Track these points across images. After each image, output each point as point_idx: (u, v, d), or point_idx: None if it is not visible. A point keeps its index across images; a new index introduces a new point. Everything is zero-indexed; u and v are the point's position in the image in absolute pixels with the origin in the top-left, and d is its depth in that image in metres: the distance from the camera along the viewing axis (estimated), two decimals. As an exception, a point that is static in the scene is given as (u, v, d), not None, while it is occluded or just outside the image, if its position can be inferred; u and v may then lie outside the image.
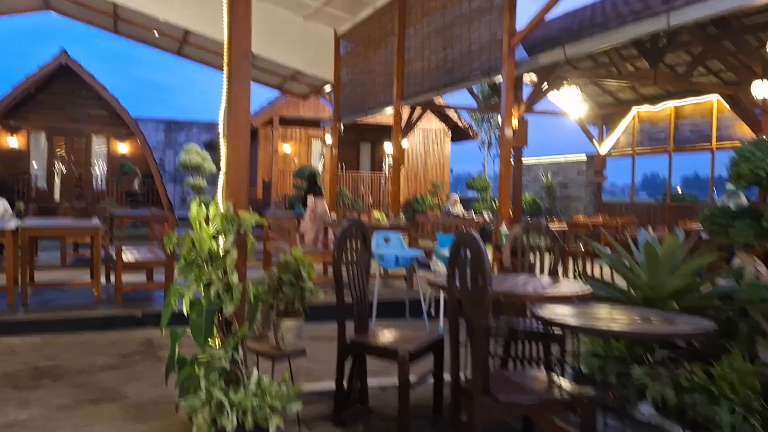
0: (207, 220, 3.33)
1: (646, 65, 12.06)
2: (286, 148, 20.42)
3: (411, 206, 19.32)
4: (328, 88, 14.69)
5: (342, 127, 13.77)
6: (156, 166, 20.09)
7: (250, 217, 3.31)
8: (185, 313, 3.20)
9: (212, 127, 29.11)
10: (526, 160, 19.47)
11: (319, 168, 18.85)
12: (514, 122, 10.18)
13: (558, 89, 11.76)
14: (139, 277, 7.93)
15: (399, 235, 6.72)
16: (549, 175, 18.03)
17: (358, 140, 21.04)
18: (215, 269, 3.17)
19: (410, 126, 13.80)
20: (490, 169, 22.61)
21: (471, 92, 14.56)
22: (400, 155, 11.12)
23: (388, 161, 20.66)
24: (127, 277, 7.07)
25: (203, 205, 3.34)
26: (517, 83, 10.42)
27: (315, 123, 19.89)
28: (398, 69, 10.61)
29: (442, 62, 9.46)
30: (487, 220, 12.89)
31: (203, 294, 3.16)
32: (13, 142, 19.43)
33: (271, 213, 18.22)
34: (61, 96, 19.46)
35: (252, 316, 3.39)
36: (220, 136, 3.48)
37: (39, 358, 4.96)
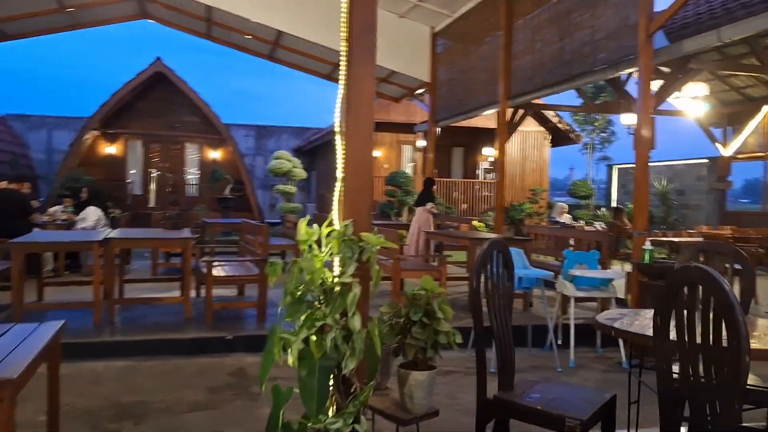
0: (319, 244, 2.59)
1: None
2: (376, 153, 19.86)
3: (508, 214, 18.20)
4: (421, 90, 13.95)
5: (438, 131, 12.96)
6: (247, 172, 20.06)
7: (375, 240, 2.53)
8: (290, 364, 2.46)
9: (302, 132, 29.10)
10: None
11: (409, 173, 18.09)
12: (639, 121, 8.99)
13: (687, 83, 10.40)
14: (230, 291, 7.44)
15: (520, 252, 5.80)
16: (663, 180, 16.42)
17: (450, 145, 20.16)
18: (332, 310, 2.41)
19: (513, 128, 12.77)
20: (590, 174, 21.10)
21: (579, 90, 13.38)
22: (503, 160, 10.15)
23: (483, 166, 19.65)
24: (218, 291, 6.56)
25: (315, 225, 2.60)
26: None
27: (406, 127, 19.18)
28: (504, 66, 9.67)
29: (557, 55, 8.44)
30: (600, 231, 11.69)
31: (315, 343, 2.40)
32: (111, 149, 19.95)
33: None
34: (156, 103, 19.80)
35: (373, 371, 2.61)
36: (337, 134, 2.74)
37: (122, 390, 4.42)
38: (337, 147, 2.72)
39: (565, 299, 5.95)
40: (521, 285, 5.58)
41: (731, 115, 14.85)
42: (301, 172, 18.45)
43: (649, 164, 6.85)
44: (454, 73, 11.86)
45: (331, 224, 2.67)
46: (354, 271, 2.50)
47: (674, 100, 16.26)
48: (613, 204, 17.78)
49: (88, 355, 5.23)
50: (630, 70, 7.28)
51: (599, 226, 12.52)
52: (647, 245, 5.79)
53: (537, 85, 8.91)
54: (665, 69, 9.78)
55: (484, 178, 19.39)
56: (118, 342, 5.42)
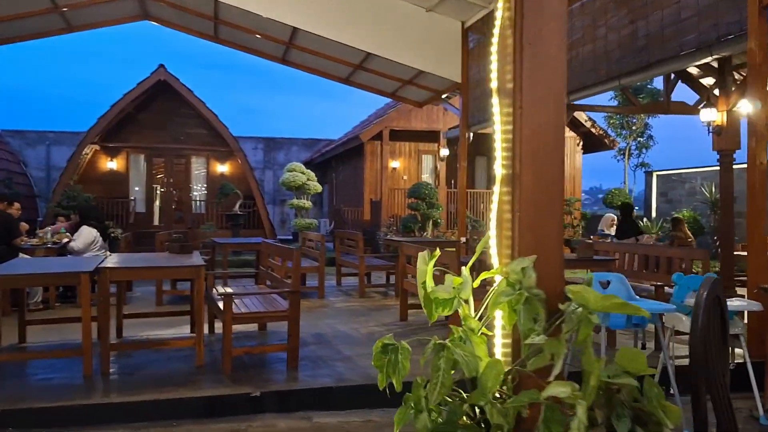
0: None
1: None
2: (394, 164, 18.68)
3: (538, 227, 16.99)
4: (446, 95, 12.80)
5: (471, 136, 11.78)
6: (257, 187, 18.93)
7: (595, 299, 1.33)
8: None
9: (313, 144, 28.00)
10: (679, 171, 16.69)
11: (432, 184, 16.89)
12: (721, 117, 7.84)
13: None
14: (249, 326, 6.25)
15: (622, 278, 4.59)
16: (710, 187, 15.16)
17: (473, 153, 18.95)
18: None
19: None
20: (627, 182, 19.81)
21: (624, 91, 12.20)
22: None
23: (511, 176, 18.44)
24: (235, 326, 5.36)
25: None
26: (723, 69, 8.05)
27: (427, 135, 18.05)
28: (557, 57, 8.49)
29: (627, 41, 7.27)
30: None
31: None
32: (112, 164, 18.86)
33: (377, 235, 16.48)
34: (159, 114, 18.73)
35: None
36: (494, 94, 1.55)
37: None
38: (494, 124, 1.53)
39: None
40: (630, 323, 4.35)
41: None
42: (316, 186, 17.28)
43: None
44: (484, 74, 10.70)
45: (482, 262, 1.49)
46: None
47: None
48: (663, 214, 16.52)
49: (74, 423, 4.04)
50: (727, 53, 6.09)
51: (647, 238, 11.29)
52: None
53: (601, 78, 7.73)
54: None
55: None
56: (112, 405, 4.21)
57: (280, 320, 5.14)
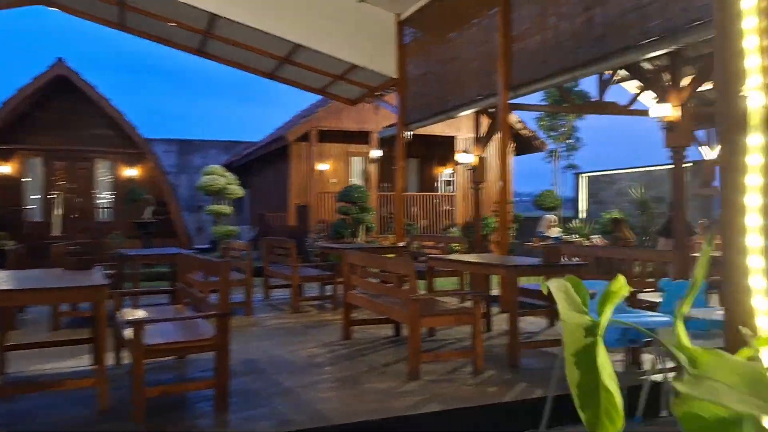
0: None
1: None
2: (322, 166, 17.84)
3: (470, 229, 16.63)
4: (382, 90, 12.16)
5: (410, 135, 11.17)
6: (171, 192, 17.57)
7: None
8: None
9: (232, 147, 26.69)
10: (607, 172, 16.80)
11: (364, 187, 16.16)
12: (675, 113, 7.55)
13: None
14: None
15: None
16: (639, 187, 15.28)
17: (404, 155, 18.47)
18: None
19: (490, 134, 11.19)
20: (556, 183, 19.86)
21: (561, 89, 11.97)
22: (507, 161, 8.43)
23: (443, 178, 18.05)
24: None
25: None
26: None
27: (357, 136, 17.34)
28: (503, 49, 8.00)
29: (582, 30, 6.83)
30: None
31: None
32: (5, 168, 16.97)
33: (310, 242, 15.58)
34: (59, 113, 17.02)
35: None
36: None
37: None
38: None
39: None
40: (627, 339, 3.78)
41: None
42: (237, 190, 16.21)
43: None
44: (431, 66, 10.13)
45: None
46: None
47: (649, 100, 15.29)
48: (593, 216, 16.56)
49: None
50: (696, 40, 5.72)
51: (597, 239, 11.07)
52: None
53: (552, 69, 7.27)
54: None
55: (445, 191, 17.77)
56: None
57: (206, 351, 4.24)
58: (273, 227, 18.05)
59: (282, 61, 11.62)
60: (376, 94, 12.24)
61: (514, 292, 5.08)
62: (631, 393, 4.24)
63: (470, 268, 6.43)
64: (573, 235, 12.28)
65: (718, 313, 4.16)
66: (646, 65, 8.54)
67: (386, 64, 10.93)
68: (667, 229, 9.88)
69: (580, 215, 17.03)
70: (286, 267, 8.81)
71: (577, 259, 6.33)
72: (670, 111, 7.48)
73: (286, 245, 8.94)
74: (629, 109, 12.87)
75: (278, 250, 9.79)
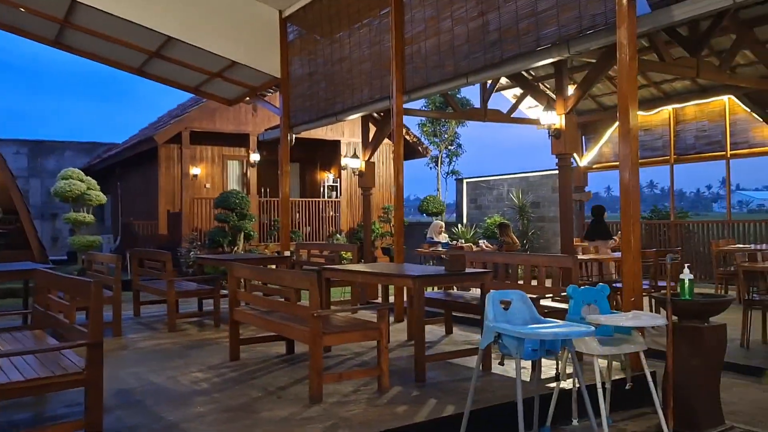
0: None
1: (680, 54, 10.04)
2: (195, 170, 16.84)
3: (357, 235, 16.47)
4: (263, 90, 11.64)
5: (293, 138, 10.74)
6: (21, 198, 15.77)
7: None
8: None
9: (93, 149, 24.66)
10: (487, 177, 17.33)
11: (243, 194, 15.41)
12: (560, 121, 7.79)
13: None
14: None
15: (524, 296, 3.91)
16: (518, 193, 15.88)
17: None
18: None
19: (379, 139, 11.09)
20: (440, 189, 20.18)
21: (445, 96, 12.13)
22: (400, 166, 8.28)
23: (327, 183, 17.73)
24: None
25: None
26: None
27: (234, 138, 16.57)
28: (396, 52, 7.84)
29: (477, 34, 6.81)
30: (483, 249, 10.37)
31: None
32: None
33: (183, 252, 14.61)
34: None
35: None
36: None
37: None
38: None
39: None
40: (543, 350, 3.66)
41: (586, 124, 14.72)
42: (99, 196, 14.88)
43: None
44: (318, 66, 9.78)
45: None
46: None
47: (527, 109, 15.95)
48: (474, 220, 16.95)
49: None
50: (589, 48, 5.85)
51: (484, 244, 11.27)
52: (687, 273, 4.24)
53: (447, 75, 7.20)
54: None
55: (329, 197, 17.45)
56: None
57: (73, 387, 3.61)
58: (140, 237, 16.78)
59: (152, 56, 10.72)
60: (257, 94, 11.68)
61: (421, 304, 4.87)
62: (541, 402, 4.17)
63: (371, 279, 6.15)
64: (459, 240, 12.44)
65: (623, 318, 4.19)
66: (533, 73, 8.77)
67: (269, 63, 10.44)
68: (598, 231, 10.15)
69: (464, 220, 17.41)
70: (160, 281, 8.07)
71: (475, 265, 6.26)
72: (557, 119, 7.69)
73: (160, 257, 8.19)
74: (512, 117, 13.32)
75: (150, 262, 8.98)
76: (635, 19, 5.12)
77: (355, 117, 9.64)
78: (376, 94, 8.37)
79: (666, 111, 13.41)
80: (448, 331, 6.99)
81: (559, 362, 4.15)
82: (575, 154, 14.47)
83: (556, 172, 15.66)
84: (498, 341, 3.64)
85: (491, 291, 3.92)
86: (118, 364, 5.73)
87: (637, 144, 5.15)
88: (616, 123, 14.18)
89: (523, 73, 10.06)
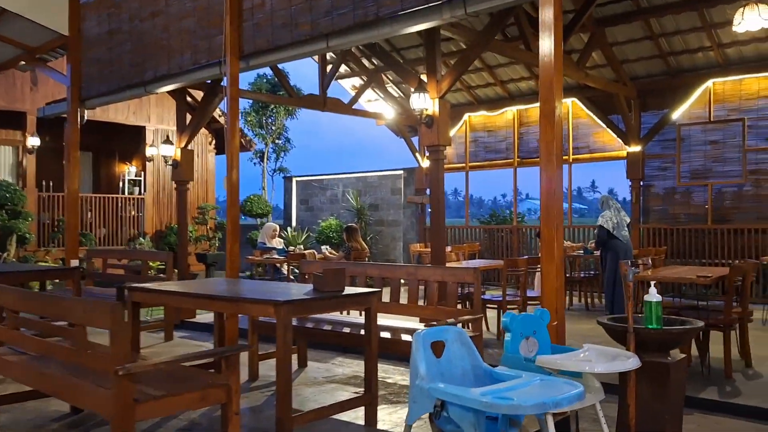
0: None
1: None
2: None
3: (166, 239, 14.28)
4: (45, 53, 9.30)
5: (85, 116, 8.60)
6: None
7: None
8: None
9: None
10: (320, 177, 16.13)
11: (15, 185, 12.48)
12: (433, 107, 6.82)
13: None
14: None
15: (463, 333, 2.70)
16: (355, 194, 14.88)
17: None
18: None
19: (199, 123, 9.33)
20: (266, 187, 18.42)
21: (279, 77, 10.72)
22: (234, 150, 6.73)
23: (128, 177, 15.25)
24: None
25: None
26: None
27: (5, 117, 13.47)
28: (232, 5, 6.28)
29: (341, -13, 5.52)
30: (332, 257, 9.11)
31: None
32: None
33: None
34: None
35: None
36: None
37: None
38: None
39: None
40: (505, 423, 2.46)
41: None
42: None
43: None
44: (121, 22, 7.81)
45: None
46: None
47: (367, 103, 15.03)
48: (305, 223, 15.61)
49: None
50: (488, 5, 4.86)
51: (327, 251, 10.01)
52: (654, 293, 3.31)
53: (301, 36, 5.81)
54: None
55: (130, 193, 15.01)
56: None
57: None
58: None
59: None
60: (36, 57, 9.27)
61: (288, 340, 3.44)
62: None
63: (209, 306, 4.56)
64: (298, 247, 11.03)
65: (581, 359, 3.16)
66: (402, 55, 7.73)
67: (53, 15, 8.22)
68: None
69: (293, 223, 16.01)
70: None
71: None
72: (429, 104, 6.69)
73: None
74: (353, 109, 12.23)
75: None
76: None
77: (173, 87, 7.82)
78: (202, 58, 6.72)
79: (510, 112, 13.23)
80: (302, 364, 5.62)
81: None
82: (418, 155, 13.74)
83: (397, 172, 15.13)
84: (440, 413, 2.37)
85: (420, 330, 2.63)
86: None
87: (560, 141, 4.23)
88: (460, 122, 13.86)
89: (388, 48, 8.95)
